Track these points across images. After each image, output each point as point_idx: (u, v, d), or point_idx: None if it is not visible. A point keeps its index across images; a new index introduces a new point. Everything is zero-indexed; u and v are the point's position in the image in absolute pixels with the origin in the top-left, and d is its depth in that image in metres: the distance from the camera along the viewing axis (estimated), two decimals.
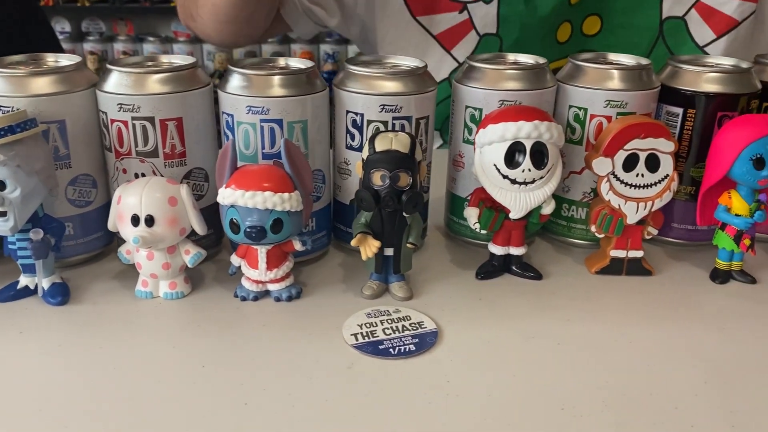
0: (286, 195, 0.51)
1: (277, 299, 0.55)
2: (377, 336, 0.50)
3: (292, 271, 0.56)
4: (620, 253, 0.59)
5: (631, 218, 0.57)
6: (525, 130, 0.53)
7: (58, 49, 1.18)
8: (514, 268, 0.60)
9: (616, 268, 0.60)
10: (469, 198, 0.59)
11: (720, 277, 0.59)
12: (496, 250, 0.59)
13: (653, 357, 0.48)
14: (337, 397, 0.43)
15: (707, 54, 0.82)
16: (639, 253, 0.59)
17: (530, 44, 0.82)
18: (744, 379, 0.46)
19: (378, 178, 0.52)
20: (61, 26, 2.67)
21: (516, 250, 0.59)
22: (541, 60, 0.61)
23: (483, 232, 0.58)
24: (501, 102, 0.58)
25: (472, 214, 0.58)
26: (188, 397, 0.43)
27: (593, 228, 0.59)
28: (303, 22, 0.91)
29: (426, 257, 0.64)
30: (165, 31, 2.75)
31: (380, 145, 0.51)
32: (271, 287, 0.55)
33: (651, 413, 0.42)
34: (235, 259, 0.55)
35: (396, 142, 0.51)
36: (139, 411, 0.42)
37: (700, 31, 0.82)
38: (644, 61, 0.62)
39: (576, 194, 0.63)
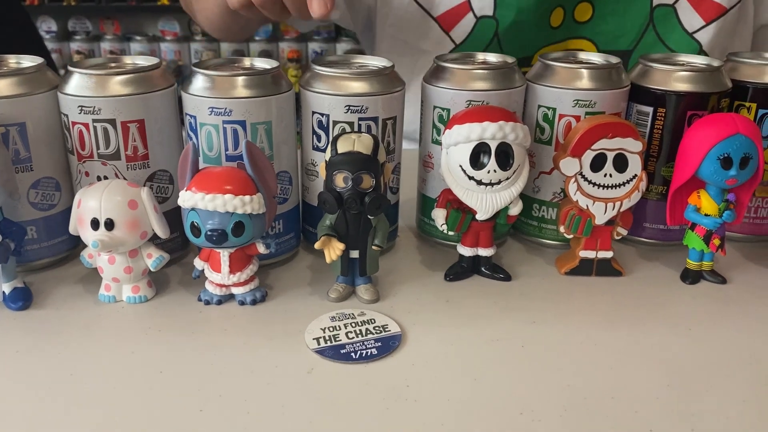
0: (247, 198, 0.50)
1: (242, 303, 0.54)
2: (340, 340, 0.49)
3: (258, 274, 0.55)
4: (589, 254, 0.59)
5: (600, 219, 0.57)
6: (490, 131, 0.53)
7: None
8: (483, 269, 0.59)
9: (585, 268, 0.59)
10: (437, 199, 0.59)
11: (690, 277, 0.59)
12: (465, 251, 0.59)
13: (617, 359, 0.48)
14: (293, 403, 0.43)
15: (697, 41, 0.82)
16: (608, 254, 0.59)
17: (525, 27, 0.81)
18: (707, 381, 0.46)
19: (341, 180, 0.51)
20: (48, 26, 2.65)
21: (484, 251, 0.59)
22: (510, 59, 0.61)
23: (450, 233, 0.58)
24: (468, 102, 0.58)
25: (439, 215, 0.57)
26: (143, 403, 0.43)
27: (562, 228, 0.58)
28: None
29: (396, 258, 0.63)
30: (152, 30, 2.74)
31: (342, 147, 0.51)
32: (235, 291, 0.54)
33: (610, 417, 0.42)
34: (198, 263, 0.54)
35: (359, 143, 0.51)
36: (91, 418, 0.41)
37: (690, 17, 0.82)
38: (614, 60, 0.61)
39: (546, 194, 0.63)
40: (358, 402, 0.43)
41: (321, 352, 0.48)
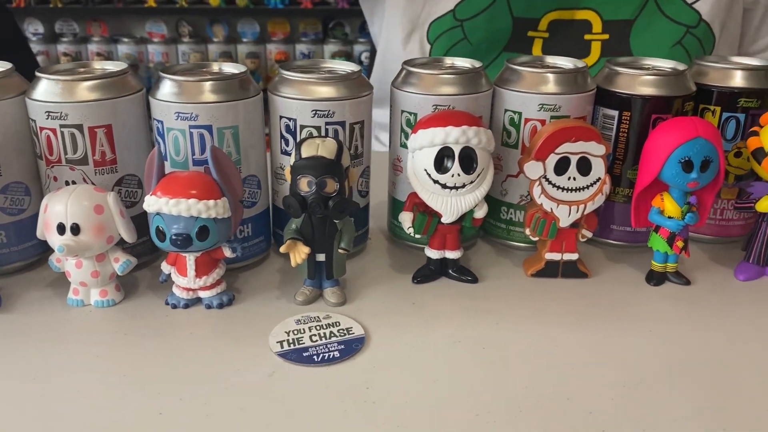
0: (211, 202, 0.50)
1: (208, 306, 0.55)
2: (303, 343, 0.50)
3: (227, 277, 0.56)
4: (555, 256, 0.60)
5: (564, 221, 0.58)
6: (453, 136, 0.53)
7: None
8: (450, 271, 0.60)
9: (551, 270, 0.60)
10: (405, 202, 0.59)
11: (655, 279, 0.60)
12: (432, 254, 0.59)
13: (577, 361, 0.49)
14: (252, 406, 0.43)
15: (697, 11, 0.83)
16: (574, 256, 0.60)
17: None
18: (663, 382, 0.46)
19: (305, 185, 0.51)
20: (34, 28, 2.65)
21: (452, 254, 0.59)
22: (477, 64, 0.62)
23: (417, 236, 0.58)
24: (435, 107, 0.58)
25: (406, 219, 0.58)
26: (103, 407, 0.43)
27: (527, 231, 0.59)
28: None
29: (366, 261, 0.64)
30: (139, 32, 2.74)
31: (306, 152, 0.51)
32: (202, 294, 0.54)
33: (565, 419, 0.42)
34: (165, 267, 0.55)
35: (322, 148, 0.51)
36: (51, 421, 0.42)
37: None
38: (580, 64, 0.62)
39: (514, 197, 0.64)
40: (316, 404, 0.43)
41: (284, 355, 0.48)
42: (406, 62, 0.62)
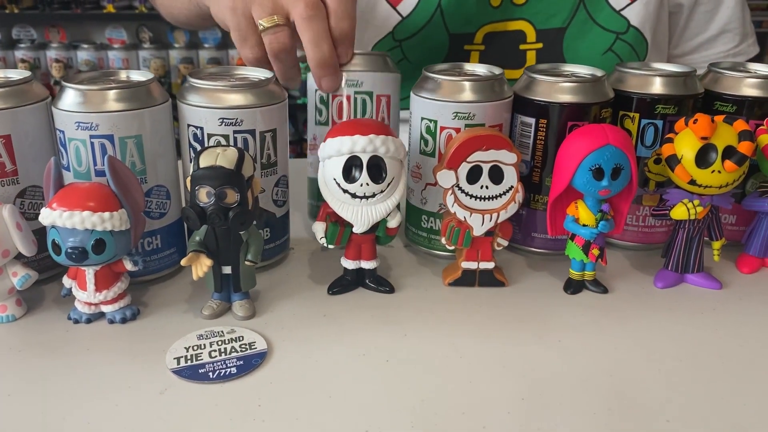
0: (107, 214, 0.49)
1: (111, 321, 0.53)
2: (201, 359, 0.48)
3: (136, 290, 0.55)
4: (471, 265, 0.59)
5: (477, 230, 0.57)
6: (360, 144, 0.52)
7: None
8: (368, 282, 0.59)
9: (468, 279, 0.59)
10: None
11: (572, 287, 0.59)
12: (348, 264, 0.58)
13: (479, 372, 0.48)
14: (136, 425, 0.42)
15: (625, 18, 0.83)
16: (490, 265, 0.59)
17: (466, 3, 0.81)
18: (562, 394, 0.46)
19: (204, 196, 0.50)
20: None
21: (367, 264, 0.58)
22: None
23: (330, 246, 0.57)
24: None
25: (318, 229, 0.57)
26: None
27: (443, 240, 0.58)
28: None
29: (286, 271, 0.63)
30: (99, 38, 2.71)
31: (205, 161, 0.50)
32: (105, 309, 0.53)
33: None
34: (66, 281, 0.53)
35: (222, 157, 0.50)
36: None
37: None
38: (497, 71, 0.61)
39: (433, 206, 0.63)
40: (203, 423, 0.42)
41: (178, 372, 0.47)
42: None
